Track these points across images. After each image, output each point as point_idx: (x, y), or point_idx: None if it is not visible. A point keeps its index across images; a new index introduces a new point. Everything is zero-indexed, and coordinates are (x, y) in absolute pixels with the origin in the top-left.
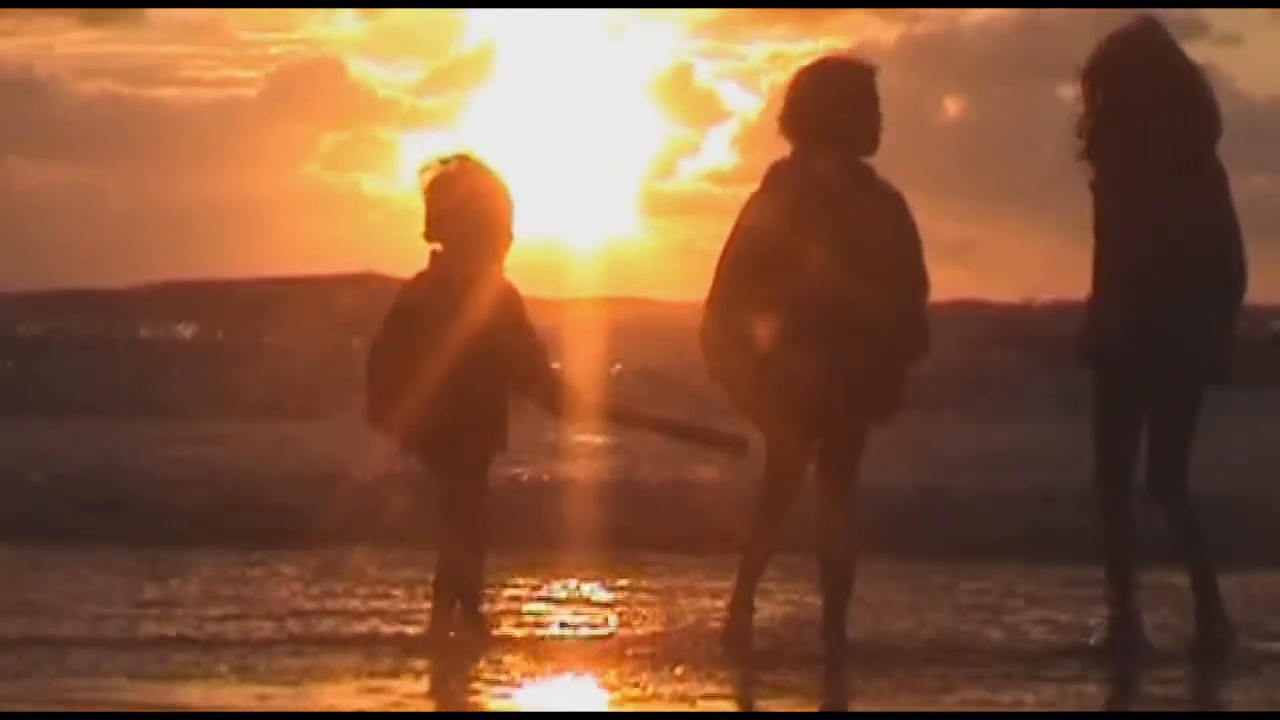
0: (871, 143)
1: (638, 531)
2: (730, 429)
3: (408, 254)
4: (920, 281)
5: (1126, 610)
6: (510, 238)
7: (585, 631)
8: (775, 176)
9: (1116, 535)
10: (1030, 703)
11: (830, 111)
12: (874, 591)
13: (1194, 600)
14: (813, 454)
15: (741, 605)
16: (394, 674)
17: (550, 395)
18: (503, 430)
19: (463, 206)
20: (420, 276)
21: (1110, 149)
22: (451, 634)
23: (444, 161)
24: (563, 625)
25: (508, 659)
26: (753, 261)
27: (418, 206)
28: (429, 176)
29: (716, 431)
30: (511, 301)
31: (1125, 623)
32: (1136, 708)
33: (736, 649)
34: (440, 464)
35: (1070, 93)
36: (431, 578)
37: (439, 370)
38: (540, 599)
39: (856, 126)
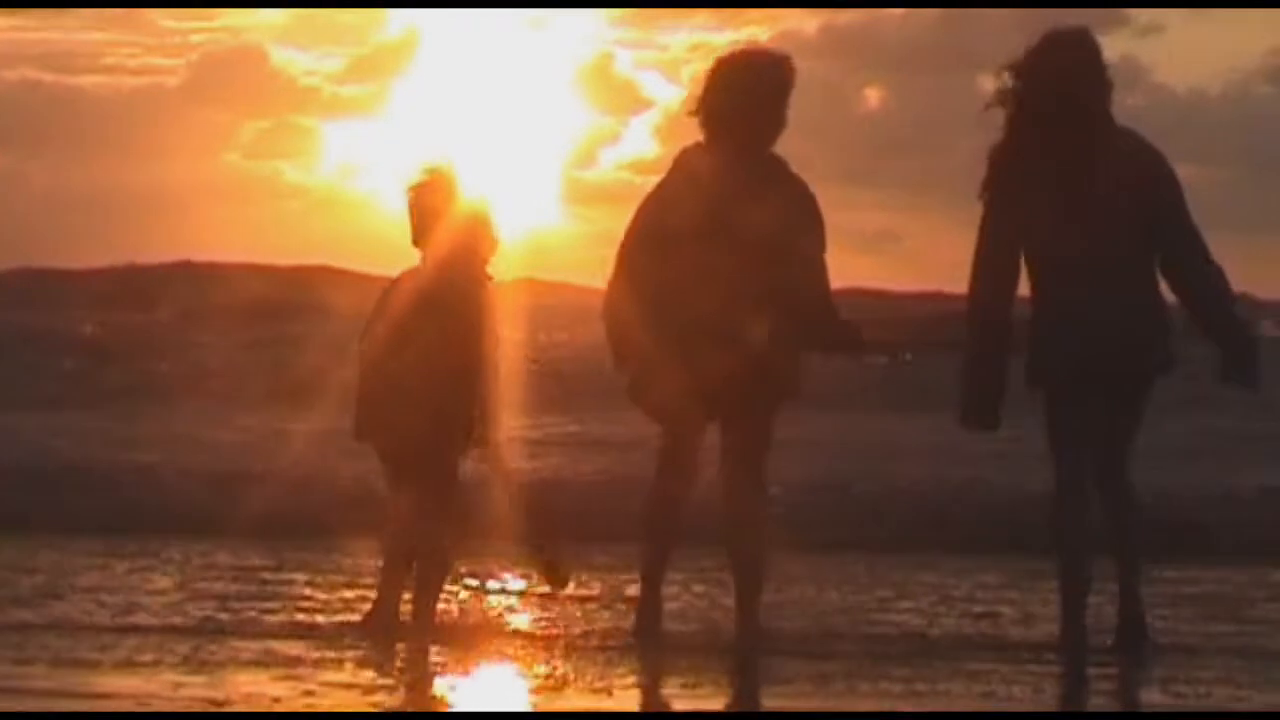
0: (771, 139)
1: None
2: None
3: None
4: (822, 276)
5: (1076, 611)
6: (493, 242)
7: (508, 621)
8: (680, 163)
9: (1073, 541)
10: (957, 691)
11: (739, 108)
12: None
13: (1118, 593)
14: (702, 444)
15: (648, 597)
16: (307, 662)
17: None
18: (462, 431)
19: (443, 212)
20: (405, 275)
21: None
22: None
23: (430, 171)
24: (484, 614)
25: (424, 647)
26: (649, 245)
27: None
28: (414, 183)
29: (554, 564)
30: (484, 309)
31: (1073, 621)
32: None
33: (647, 640)
34: (411, 465)
35: (992, 84)
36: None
37: (412, 371)
38: (466, 589)
39: (762, 123)
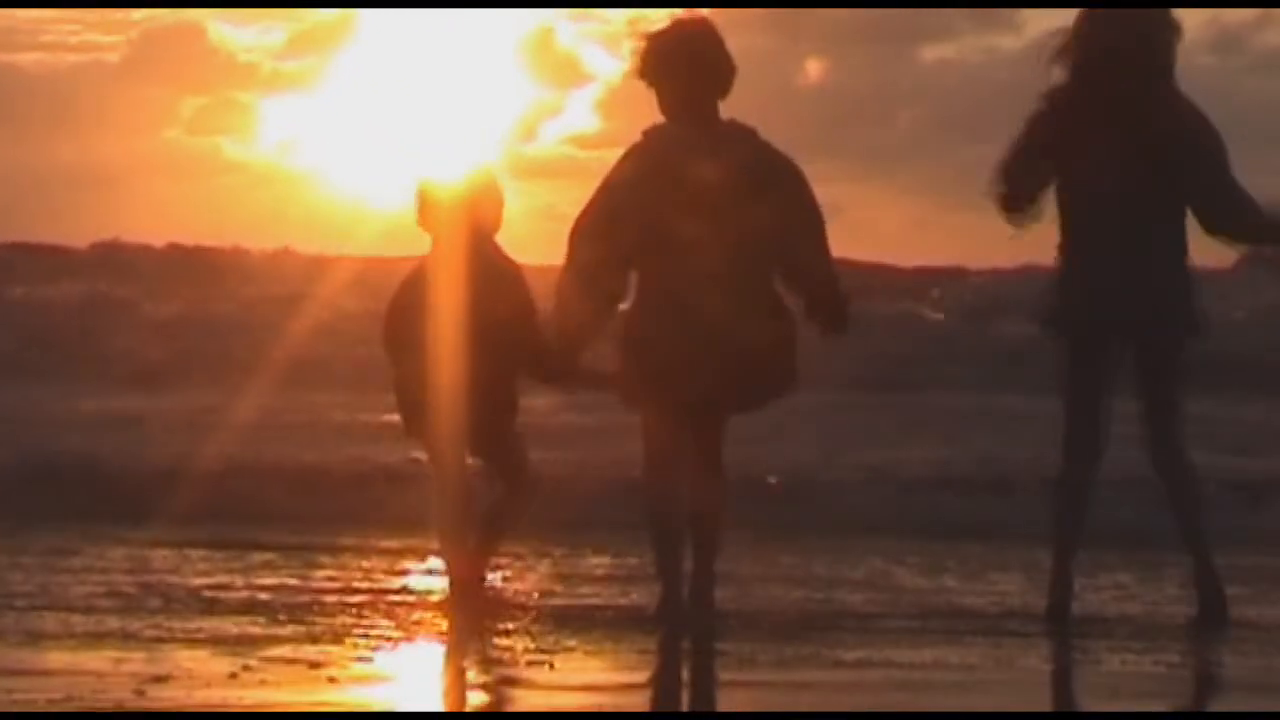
0: (712, 90)
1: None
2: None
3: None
4: (823, 253)
5: (1061, 580)
6: (499, 213)
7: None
8: (642, 141)
9: (1067, 504)
10: (936, 662)
11: (673, 81)
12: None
13: (1194, 573)
14: (686, 426)
15: (669, 586)
16: (251, 640)
17: (548, 370)
18: (513, 405)
19: (444, 197)
20: (420, 264)
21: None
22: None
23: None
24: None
25: (369, 622)
26: (608, 228)
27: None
28: (427, 181)
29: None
30: (511, 279)
31: (1058, 591)
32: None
33: (670, 626)
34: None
35: (933, 54)
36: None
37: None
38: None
39: (697, 90)
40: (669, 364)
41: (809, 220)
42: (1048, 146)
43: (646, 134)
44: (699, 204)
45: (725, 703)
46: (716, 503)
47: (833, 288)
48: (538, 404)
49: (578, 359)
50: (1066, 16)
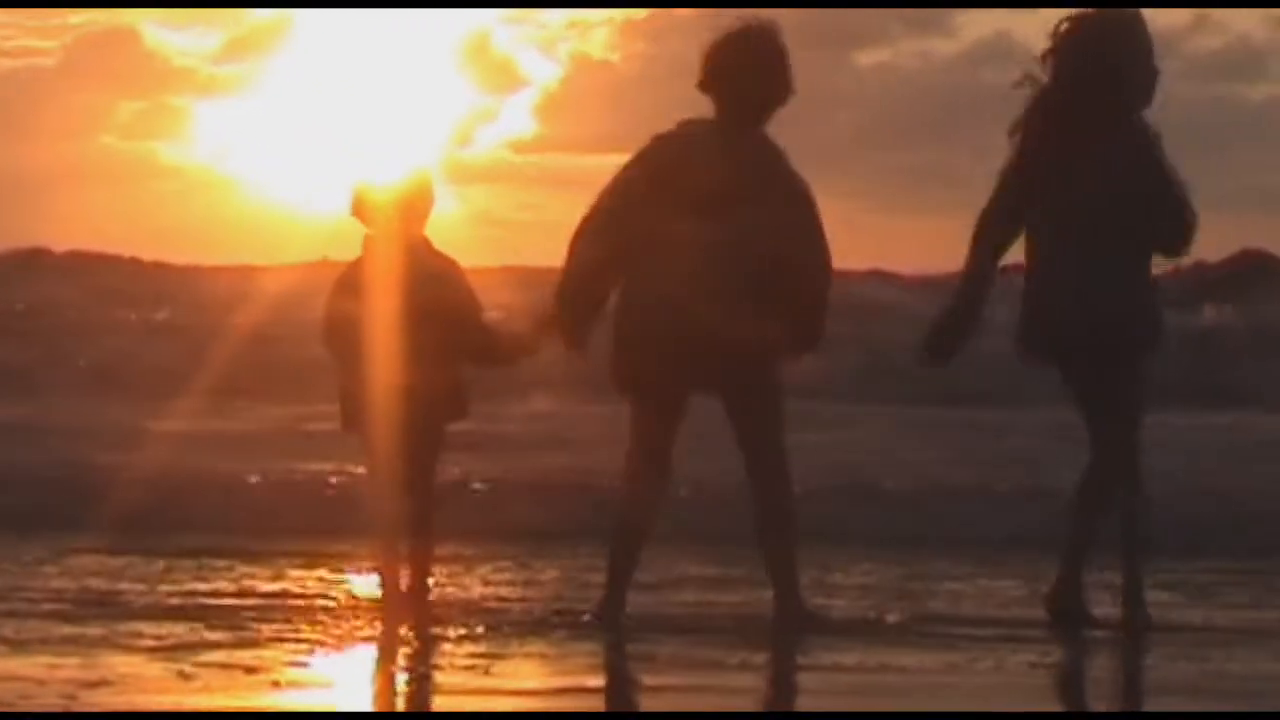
0: (759, 103)
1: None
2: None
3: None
4: (820, 267)
5: (1072, 577)
6: (426, 211)
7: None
8: (669, 133)
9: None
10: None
11: (719, 78)
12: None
13: (1123, 583)
14: (676, 431)
15: (612, 597)
16: (186, 646)
17: (495, 355)
18: (461, 399)
19: (379, 197)
20: (357, 263)
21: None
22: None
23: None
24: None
25: (303, 627)
26: (608, 222)
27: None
28: (365, 185)
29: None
30: (451, 275)
31: (1068, 589)
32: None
33: (608, 632)
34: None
35: (867, 59)
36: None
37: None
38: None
39: (749, 89)
40: (655, 361)
41: (810, 233)
42: (1023, 187)
43: (680, 125)
44: (700, 205)
45: (659, 705)
46: (781, 505)
47: (819, 309)
48: (483, 409)
49: (581, 346)
50: (999, 20)
